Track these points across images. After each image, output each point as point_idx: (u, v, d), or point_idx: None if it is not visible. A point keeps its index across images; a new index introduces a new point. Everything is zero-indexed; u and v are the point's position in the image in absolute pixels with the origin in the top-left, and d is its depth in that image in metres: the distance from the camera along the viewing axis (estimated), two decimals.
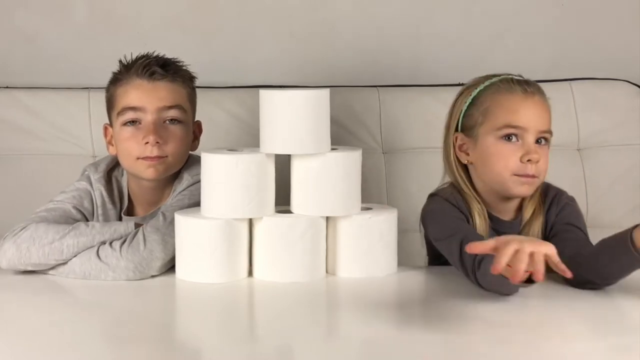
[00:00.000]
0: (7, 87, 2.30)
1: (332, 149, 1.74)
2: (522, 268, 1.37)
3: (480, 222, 1.74)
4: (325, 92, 1.73)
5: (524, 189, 1.71)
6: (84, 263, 1.71)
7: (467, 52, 2.44)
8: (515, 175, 1.70)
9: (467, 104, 1.77)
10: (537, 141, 1.71)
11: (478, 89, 1.76)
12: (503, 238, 1.43)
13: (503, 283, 1.47)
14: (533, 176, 1.70)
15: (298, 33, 2.42)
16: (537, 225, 1.75)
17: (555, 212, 1.76)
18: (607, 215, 2.23)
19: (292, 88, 1.88)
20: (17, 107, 2.26)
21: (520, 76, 1.78)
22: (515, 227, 1.76)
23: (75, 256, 1.72)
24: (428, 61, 2.44)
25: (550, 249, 1.41)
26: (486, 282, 1.55)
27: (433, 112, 2.19)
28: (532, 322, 1.50)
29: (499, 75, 1.77)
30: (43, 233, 1.72)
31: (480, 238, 1.67)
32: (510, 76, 1.76)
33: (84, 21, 2.38)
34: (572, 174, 2.28)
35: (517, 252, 1.38)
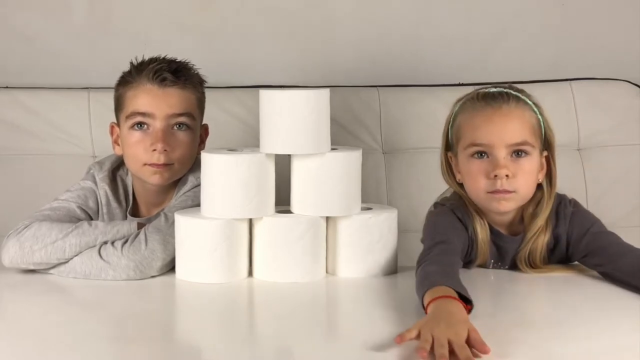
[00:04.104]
0: (6, 87, 2.30)
1: (332, 149, 1.74)
2: (444, 353, 1.27)
3: (482, 234, 1.72)
4: (325, 92, 1.73)
5: (500, 205, 1.68)
6: (85, 262, 1.71)
7: (467, 52, 2.44)
8: (488, 192, 1.68)
9: (450, 123, 1.76)
10: (517, 154, 1.68)
11: (455, 109, 1.75)
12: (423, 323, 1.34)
13: (418, 290, 1.49)
14: (506, 191, 1.67)
15: (298, 33, 2.42)
16: (541, 242, 1.71)
17: (567, 229, 1.72)
18: (607, 216, 2.22)
19: (292, 88, 1.89)
20: (17, 107, 2.25)
21: (508, 84, 1.74)
22: (516, 242, 1.74)
23: (77, 255, 1.72)
24: (428, 61, 2.44)
25: (463, 334, 1.30)
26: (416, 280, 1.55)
27: (433, 112, 2.19)
28: (533, 322, 1.49)
29: (484, 88, 1.73)
30: (46, 232, 1.72)
31: (457, 254, 1.66)
32: (485, 89, 1.72)
33: (84, 21, 2.38)
34: (572, 174, 2.28)
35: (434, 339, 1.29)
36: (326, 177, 1.72)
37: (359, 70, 2.42)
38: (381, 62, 2.43)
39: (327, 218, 1.75)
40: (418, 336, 1.31)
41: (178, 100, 1.82)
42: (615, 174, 2.32)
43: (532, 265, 1.72)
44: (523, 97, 1.71)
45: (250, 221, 1.74)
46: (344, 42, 2.43)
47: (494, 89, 1.72)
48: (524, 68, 2.40)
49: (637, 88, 2.37)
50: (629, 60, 2.44)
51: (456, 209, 1.74)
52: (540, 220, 1.71)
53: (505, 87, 1.73)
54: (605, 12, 2.46)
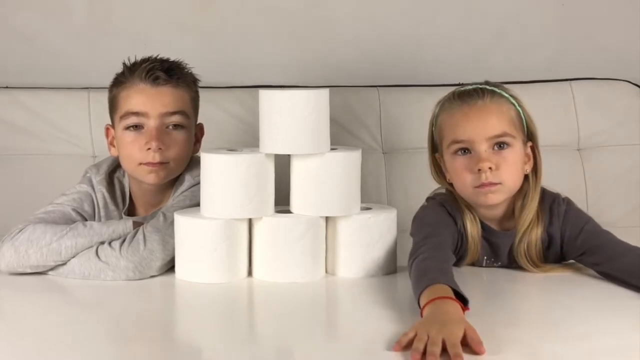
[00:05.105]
0: (7, 87, 2.30)
1: (332, 149, 1.74)
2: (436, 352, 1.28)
3: (472, 230, 1.73)
4: (325, 92, 1.73)
5: (488, 198, 1.69)
6: (83, 263, 1.71)
7: (467, 52, 2.44)
8: (475, 187, 1.69)
9: (433, 125, 1.78)
10: (499, 146, 1.69)
11: (436, 111, 1.77)
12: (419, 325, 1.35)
13: (415, 286, 1.49)
14: (491, 184, 1.68)
15: (298, 33, 2.42)
16: (535, 236, 1.72)
17: (560, 227, 1.73)
18: (607, 215, 2.23)
19: (292, 88, 1.89)
20: (17, 107, 2.26)
21: (484, 81, 1.75)
22: (508, 237, 1.74)
23: (74, 257, 1.71)
24: (428, 61, 2.44)
25: (459, 333, 1.31)
26: (411, 274, 1.57)
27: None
28: (533, 321, 1.50)
29: (460, 87, 1.75)
30: (41, 234, 1.72)
31: (449, 248, 1.67)
32: (460, 88, 1.74)
33: (84, 21, 2.38)
34: (572, 174, 2.28)
35: (429, 338, 1.30)
36: (326, 177, 1.72)
37: (359, 70, 2.42)
38: (381, 62, 2.43)
39: (327, 218, 1.75)
40: (416, 336, 1.31)
41: (171, 99, 1.82)
42: (615, 174, 2.32)
43: (532, 262, 1.72)
44: (499, 91, 1.73)
45: (250, 221, 1.74)
46: (344, 42, 2.44)
47: (469, 87, 1.74)
48: (524, 68, 2.40)
49: (637, 88, 2.37)
50: (629, 60, 2.44)
51: (445, 202, 1.76)
52: (529, 212, 1.72)
53: (480, 84, 1.74)
54: (605, 12, 2.46)
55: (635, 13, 2.45)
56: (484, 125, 1.69)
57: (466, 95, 1.72)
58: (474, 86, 1.74)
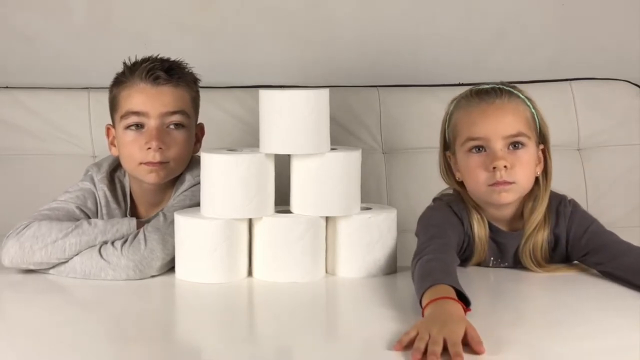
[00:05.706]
0: (6, 87, 2.30)
1: (332, 149, 1.74)
2: (437, 350, 1.28)
3: (479, 231, 1.73)
4: (325, 92, 1.73)
5: (501, 197, 1.69)
6: (85, 262, 1.71)
7: (467, 52, 2.44)
8: (489, 185, 1.69)
9: (446, 123, 1.78)
10: (514, 145, 1.69)
11: (450, 108, 1.77)
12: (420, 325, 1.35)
13: (418, 286, 1.50)
14: (505, 182, 1.68)
15: (298, 33, 2.42)
16: (541, 237, 1.72)
17: (566, 227, 1.74)
18: (607, 215, 2.22)
19: (292, 88, 1.89)
20: (17, 107, 2.25)
21: (500, 81, 1.76)
22: (516, 238, 1.75)
23: (77, 254, 1.72)
24: (428, 61, 2.44)
25: (459, 333, 1.32)
26: (414, 274, 1.57)
27: (433, 112, 2.18)
28: (533, 322, 1.49)
29: (477, 86, 1.76)
30: (46, 231, 1.72)
31: (453, 249, 1.67)
32: (477, 87, 1.75)
33: (84, 21, 2.38)
34: (572, 174, 2.28)
35: (430, 338, 1.30)
36: (326, 177, 1.72)
37: (359, 70, 2.42)
38: (381, 62, 2.43)
39: (327, 218, 1.75)
40: (417, 335, 1.31)
41: (172, 99, 1.82)
42: (615, 174, 2.32)
43: (536, 262, 1.72)
44: (515, 92, 1.74)
45: (250, 221, 1.74)
46: (344, 42, 2.43)
47: (486, 86, 1.75)
48: (524, 68, 2.40)
49: (637, 88, 2.37)
50: (629, 60, 2.44)
51: (453, 203, 1.76)
52: (539, 215, 1.72)
53: (497, 84, 1.75)
54: (605, 12, 2.46)
55: (635, 13, 2.45)
56: (500, 123, 1.70)
57: (484, 93, 1.73)
58: (491, 85, 1.74)
